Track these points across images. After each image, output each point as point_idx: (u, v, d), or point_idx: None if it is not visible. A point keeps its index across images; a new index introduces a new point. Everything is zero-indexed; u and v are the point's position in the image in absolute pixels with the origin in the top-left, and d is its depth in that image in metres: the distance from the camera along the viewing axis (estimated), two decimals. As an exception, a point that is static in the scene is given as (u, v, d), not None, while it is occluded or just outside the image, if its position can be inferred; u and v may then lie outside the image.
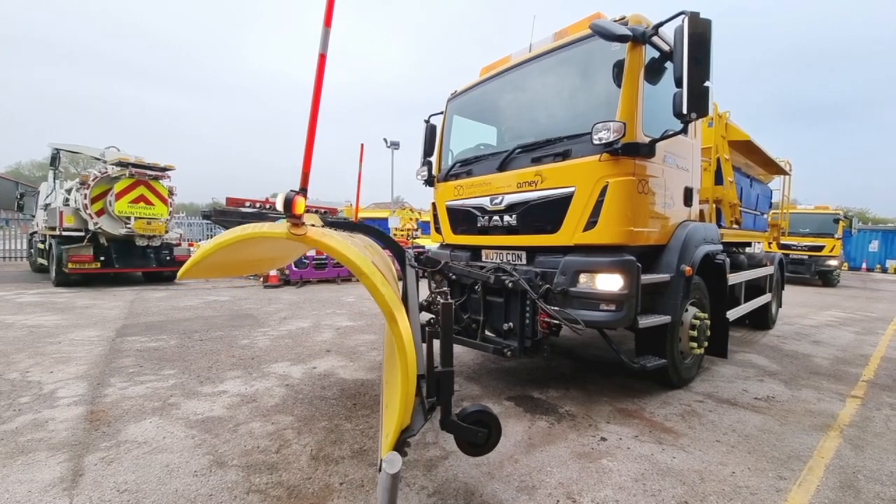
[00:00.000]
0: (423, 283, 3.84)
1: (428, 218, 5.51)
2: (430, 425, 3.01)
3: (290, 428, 2.95)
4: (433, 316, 3.35)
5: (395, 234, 19.53)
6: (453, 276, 3.99)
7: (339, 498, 2.18)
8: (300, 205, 1.84)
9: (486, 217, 4.08)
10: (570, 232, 3.43)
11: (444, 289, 2.87)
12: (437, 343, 2.14)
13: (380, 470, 1.72)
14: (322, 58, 1.91)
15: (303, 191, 1.89)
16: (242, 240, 1.95)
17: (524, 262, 3.85)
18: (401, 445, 1.79)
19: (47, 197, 11.64)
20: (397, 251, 3.04)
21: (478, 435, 2.11)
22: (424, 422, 1.95)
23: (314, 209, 14.23)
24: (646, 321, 3.32)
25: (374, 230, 3.25)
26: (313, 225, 2.03)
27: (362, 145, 5.22)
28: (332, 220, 3.02)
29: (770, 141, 6.84)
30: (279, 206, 1.89)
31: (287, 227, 1.90)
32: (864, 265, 23.65)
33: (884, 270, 23.27)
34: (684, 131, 3.35)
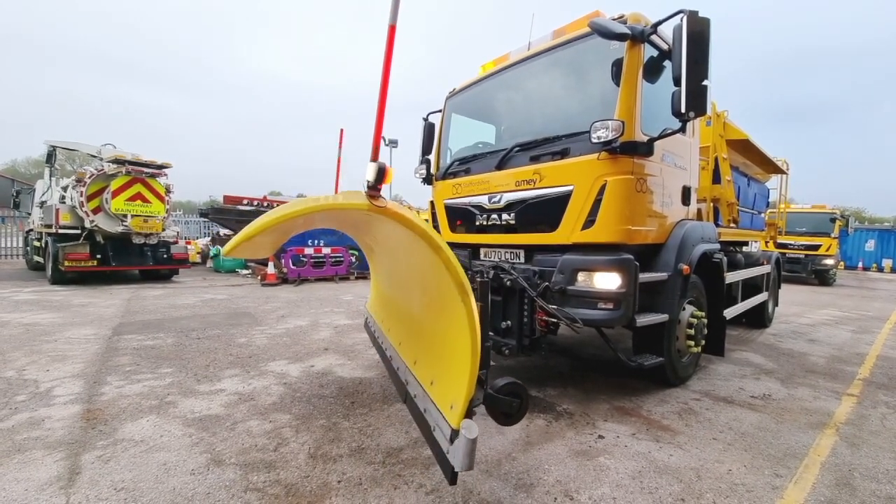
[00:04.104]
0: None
1: (426, 216, 5.50)
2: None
3: (288, 426, 2.94)
4: None
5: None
6: None
7: (336, 496, 2.18)
8: (391, 175, 1.84)
9: (485, 215, 4.07)
10: (569, 230, 3.43)
11: (481, 269, 2.83)
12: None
13: (451, 441, 1.86)
14: (392, 29, 1.90)
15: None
16: (313, 211, 1.87)
17: (522, 260, 3.86)
18: (469, 413, 1.91)
19: (43, 194, 11.58)
20: None
21: (512, 405, 2.18)
22: (483, 392, 2.08)
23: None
24: (643, 319, 3.33)
25: None
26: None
27: (342, 130, 5.20)
28: None
29: (768, 141, 6.85)
30: (369, 177, 1.87)
31: (367, 199, 1.87)
32: (860, 264, 23.76)
33: (880, 269, 23.38)
34: (682, 130, 3.35)
